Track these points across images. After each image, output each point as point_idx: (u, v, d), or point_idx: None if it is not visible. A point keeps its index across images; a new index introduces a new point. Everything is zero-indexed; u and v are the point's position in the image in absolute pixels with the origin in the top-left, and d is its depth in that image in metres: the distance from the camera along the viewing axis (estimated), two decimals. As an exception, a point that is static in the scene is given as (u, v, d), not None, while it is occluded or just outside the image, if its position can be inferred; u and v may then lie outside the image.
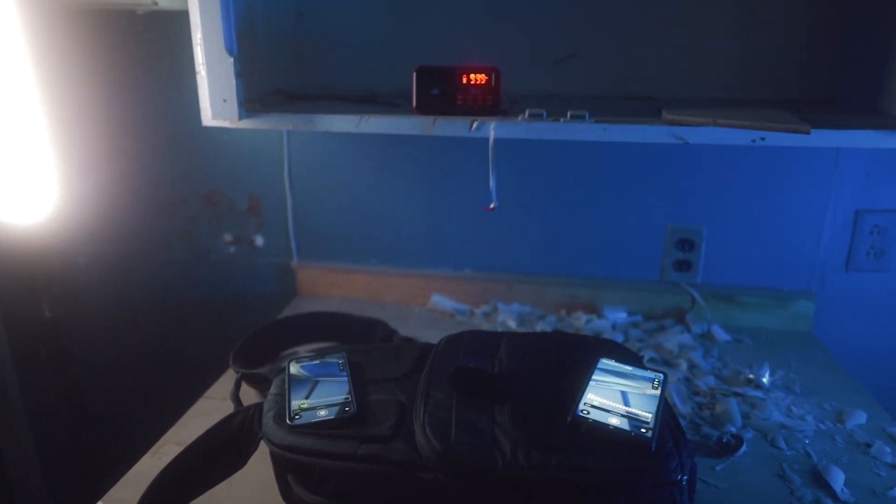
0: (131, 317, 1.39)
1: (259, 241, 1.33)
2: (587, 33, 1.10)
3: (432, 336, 1.05)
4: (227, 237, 1.33)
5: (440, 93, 0.87)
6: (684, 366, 1.05)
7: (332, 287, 1.33)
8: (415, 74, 0.87)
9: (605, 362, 0.78)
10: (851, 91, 1.03)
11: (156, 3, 1.11)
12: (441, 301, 1.30)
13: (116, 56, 1.23)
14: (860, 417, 0.91)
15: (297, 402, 0.73)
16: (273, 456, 0.69)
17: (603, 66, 1.12)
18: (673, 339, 1.13)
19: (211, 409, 0.93)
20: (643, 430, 0.65)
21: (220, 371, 1.03)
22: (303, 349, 1.08)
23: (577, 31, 1.10)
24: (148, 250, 1.35)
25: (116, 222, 1.34)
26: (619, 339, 1.15)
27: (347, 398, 0.73)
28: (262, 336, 1.02)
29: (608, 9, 1.09)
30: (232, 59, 0.86)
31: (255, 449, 0.72)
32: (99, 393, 1.45)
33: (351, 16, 1.15)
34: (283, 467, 0.69)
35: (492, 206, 0.90)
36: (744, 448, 0.83)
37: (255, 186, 1.29)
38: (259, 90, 0.99)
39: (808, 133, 0.77)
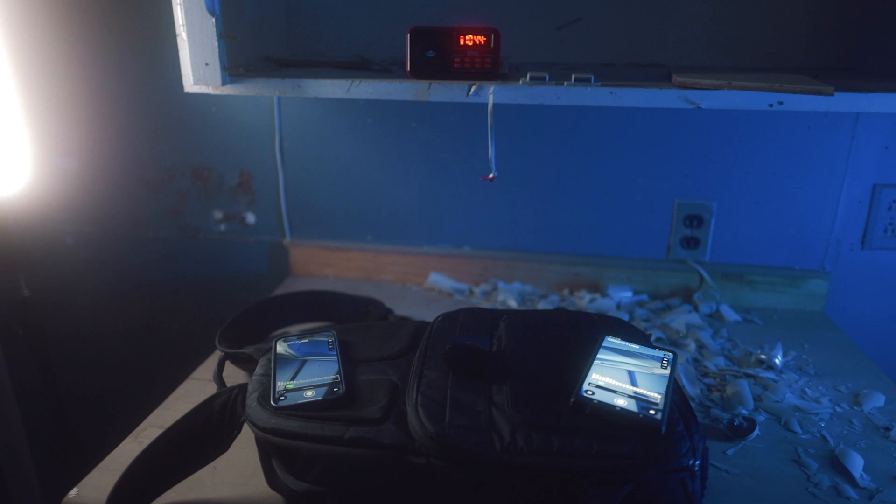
0: (117, 296, 1.35)
1: (250, 218, 1.28)
2: (592, -3, 1.05)
3: (429, 315, 1.00)
4: (217, 214, 1.28)
5: (436, 55, 0.82)
6: (692, 346, 1.01)
7: (325, 266, 1.29)
8: (408, 35, 0.81)
9: (611, 340, 0.73)
10: (868, 58, 0.98)
11: (137, -34, 1.06)
12: (439, 280, 1.25)
13: (99, 24, 1.17)
14: (878, 400, 0.87)
15: (282, 383, 0.68)
16: (257, 439, 0.65)
17: (608, 32, 1.06)
18: (680, 318, 1.09)
19: (196, 390, 0.88)
20: (652, 412, 0.60)
21: (207, 352, 0.99)
22: (294, 329, 1.04)
23: (582, -6, 1.05)
24: (135, 229, 1.31)
25: (102, 199, 1.29)
26: (625, 318, 1.11)
27: (336, 378, 0.69)
28: (251, 315, 0.98)
29: (615, -30, 1.03)
30: (214, 20, 0.80)
31: (238, 432, 0.68)
32: (81, 374, 1.41)
33: (343, -21, 1.09)
34: (268, 452, 0.65)
35: (491, 176, 0.85)
36: (756, 431, 0.79)
37: (245, 161, 1.24)
38: (246, 56, 0.94)
39: (832, 94, 0.72)
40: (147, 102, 1.22)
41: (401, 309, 1.08)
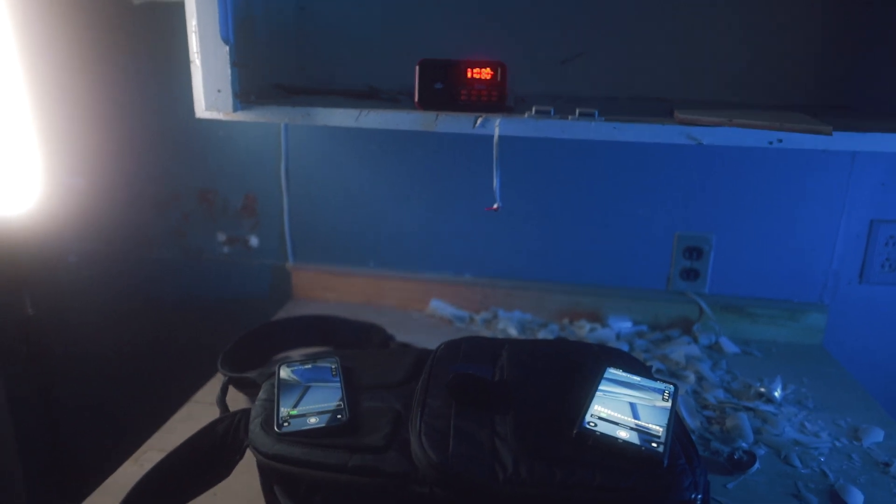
0: (119, 317, 1.35)
1: (254, 241, 1.29)
2: (595, 32, 1.07)
3: (430, 342, 1.00)
4: (221, 237, 1.29)
5: (443, 87, 0.84)
6: (692, 378, 1.01)
7: (327, 290, 1.29)
8: (417, 67, 0.83)
9: (613, 372, 0.74)
10: (865, 96, 1.00)
11: (152, -7, 1.08)
12: (440, 306, 1.26)
13: (111, 48, 1.19)
14: (877, 435, 0.87)
15: (286, 409, 0.68)
16: (259, 465, 0.65)
17: (611, 66, 1.08)
18: (680, 350, 1.09)
19: (198, 413, 0.88)
20: (654, 445, 0.61)
21: (209, 374, 0.99)
22: (295, 354, 1.04)
23: (585, 30, 1.07)
24: (139, 248, 1.32)
25: (107, 219, 1.30)
26: (624, 349, 1.11)
27: (340, 405, 0.69)
28: (253, 339, 0.98)
29: (616, 7, 1.05)
30: (227, 48, 0.82)
31: (241, 457, 0.68)
32: (83, 394, 1.40)
33: (353, 9, 1.12)
34: (270, 478, 0.65)
35: (495, 206, 0.86)
36: (757, 465, 0.79)
37: (250, 185, 1.26)
38: (257, 83, 0.95)
39: (831, 134, 0.73)
40: (155, 124, 1.23)
41: (402, 335, 1.09)
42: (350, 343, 1.05)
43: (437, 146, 1.18)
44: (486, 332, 1.18)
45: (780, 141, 0.77)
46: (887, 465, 0.81)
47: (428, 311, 1.26)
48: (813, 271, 1.15)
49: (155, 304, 1.34)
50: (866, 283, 1.14)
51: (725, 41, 1.04)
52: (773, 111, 0.88)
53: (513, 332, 1.17)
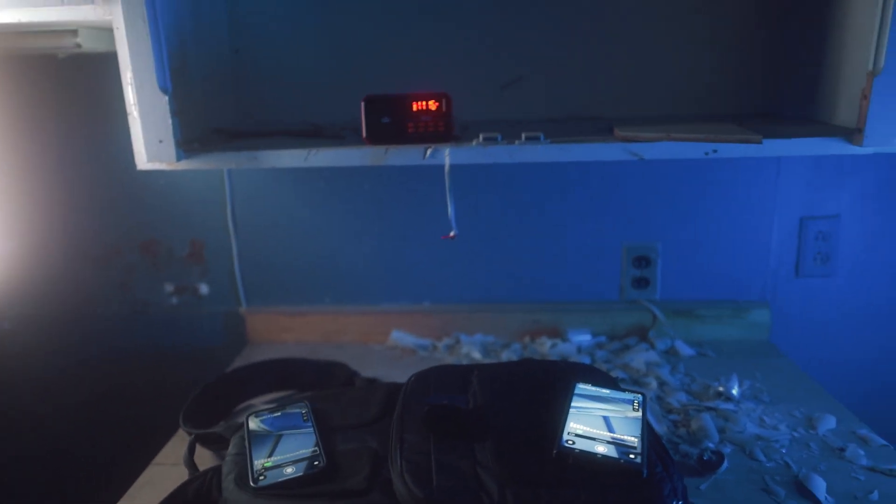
0: (62, 379, 1.28)
1: (203, 288, 1.25)
2: (532, 57, 1.11)
3: (395, 375, 1.00)
4: (169, 287, 1.25)
5: (391, 121, 0.84)
6: (654, 384, 1.04)
7: (284, 332, 1.27)
8: (363, 104, 0.84)
9: (582, 387, 0.75)
10: (788, 103, 1.07)
11: (79, 46, 1.05)
12: (401, 337, 1.25)
13: (38, 103, 1.15)
14: (830, 422, 0.92)
15: (259, 461, 0.66)
16: (236, 524, 0.63)
17: (549, 88, 1.12)
18: (639, 357, 1.12)
19: (161, 476, 0.84)
20: (632, 457, 0.62)
21: (169, 433, 0.95)
22: (258, 402, 1.01)
23: (522, 55, 1.11)
24: (80, 307, 1.25)
25: (44, 279, 1.24)
26: (586, 361, 1.14)
27: (315, 451, 0.68)
28: (213, 391, 0.95)
29: (551, 31, 1.09)
30: (167, 98, 0.81)
31: (216, 518, 0.66)
32: (28, 470, 1.31)
33: (290, 49, 1.11)
34: (249, 535, 0.63)
35: (451, 234, 0.87)
36: (726, 464, 0.82)
37: (196, 231, 1.22)
38: (196, 129, 0.94)
39: (760, 143, 0.78)
40: (91, 178, 1.19)
41: (365, 370, 1.07)
42: (314, 384, 1.03)
43: (386, 178, 1.19)
44: (449, 359, 1.19)
45: (716, 151, 0.81)
46: (842, 450, 0.85)
47: (389, 343, 1.25)
48: (753, 270, 1.21)
49: (102, 364, 1.27)
50: (802, 276, 1.21)
51: (657, 58, 1.10)
52: (704, 122, 0.93)
53: (477, 355, 1.18)
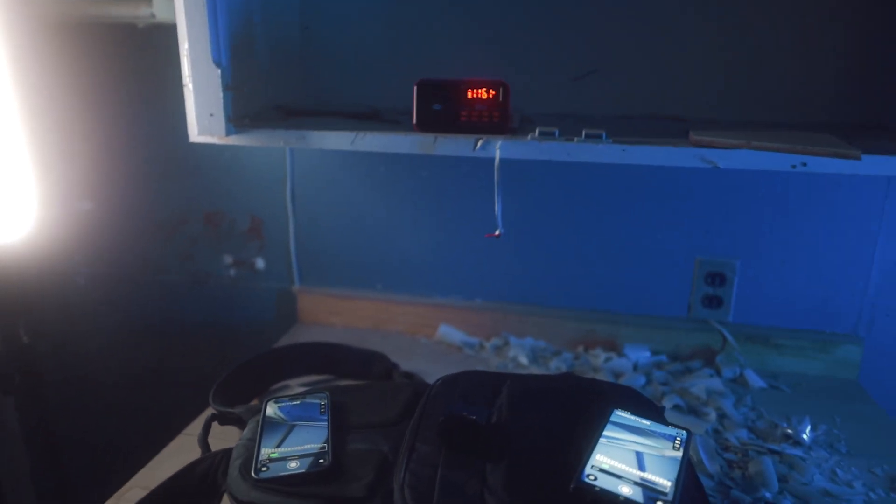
0: (125, 340, 1.33)
1: (260, 263, 1.27)
2: (608, 49, 1.02)
3: (437, 371, 0.96)
4: (228, 259, 1.27)
5: (442, 108, 0.80)
6: (713, 415, 0.94)
7: (333, 314, 1.26)
8: (415, 88, 0.80)
9: (620, 415, 0.68)
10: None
11: (153, 16, 1.07)
12: (449, 332, 1.21)
13: (115, 71, 1.19)
14: (917, 485, 0.79)
15: (266, 451, 0.65)
16: (236, 513, 0.61)
17: (625, 84, 1.03)
18: (701, 383, 1.03)
19: (188, 447, 0.85)
20: (660, 503, 0.55)
21: (207, 403, 0.96)
22: (294, 383, 1.01)
23: (598, 45, 1.03)
24: (146, 272, 1.30)
25: (115, 242, 1.29)
26: (641, 381, 1.05)
27: (324, 448, 0.65)
28: (250, 368, 0.95)
29: (632, 22, 1.00)
30: (220, 71, 0.80)
31: (219, 503, 0.65)
32: (84, 420, 1.38)
33: (358, 29, 1.09)
34: (246, 526, 0.61)
35: (497, 233, 0.82)
36: (781, 519, 0.72)
37: (256, 207, 1.24)
38: (256, 105, 0.93)
39: (859, 158, 0.67)
40: (160, 148, 1.22)
41: (408, 363, 1.04)
42: (353, 372, 1.02)
43: (445, 168, 1.15)
44: (496, 360, 1.13)
45: (805, 165, 0.71)
46: (929, 520, 0.73)
47: (437, 337, 1.22)
48: (846, 301, 1.07)
49: (161, 328, 1.32)
50: (906, 313, 1.06)
51: (746, 56, 0.99)
52: (797, 131, 0.82)
53: (524, 360, 1.12)
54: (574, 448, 0.63)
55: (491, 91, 0.79)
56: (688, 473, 0.61)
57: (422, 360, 1.12)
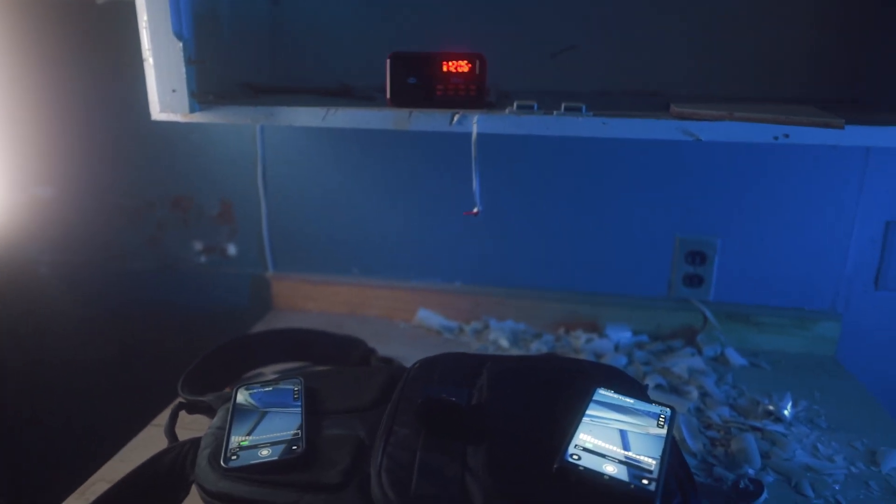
0: (89, 330, 1.29)
1: (231, 249, 1.23)
2: (587, 23, 1.00)
3: (416, 356, 0.93)
4: (198, 245, 1.23)
5: (417, 82, 0.77)
6: (695, 394, 0.94)
7: (309, 300, 1.23)
8: (388, 61, 0.77)
9: (603, 393, 0.67)
10: (878, 90, 0.92)
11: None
12: (428, 316, 1.19)
13: (77, 49, 1.13)
14: (897, 458, 0.79)
15: (236, 439, 0.62)
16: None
17: (605, 59, 1.01)
18: (682, 362, 1.02)
19: (157, 439, 0.81)
20: (645, 482, 0.53)
21: (175, 395, 0.92)
22: (269, 371, 0.98)
23: (577, 20, 1.00)
24: (112, 259, 1.25)
25: (79, 228, 1.24)
26: (623, 361, 1.04)
27: (297, 434, 0.62)
28: (221, 356, 0.91)
29: (611, -4, 0.98)
30: (181, 44, 0.76)
31: (186, 495, 0.62)
32: (44, 410, 1.34)
33: (330, 4, 1.05)
34: (217, 518, 0.58)
35: (475, 210, 0.79)
36: (764, 495, 0.72)
37: (227, 190, 1.19)
38: (221, 82, 0.89)
39: (842, 127, 0.66)
40: (124, 129, 1.17)
41: (385, 349, 1.02)
42: (329, 358, 0.99)
43: (422, 146, 1.12)
44: (476, 344, 1.12)
45: (787, 136, 0.70)
46: (910, 493, 0.73)
47: (415, 322, 1.19)
48: (824, 277, 1.07)
49: (127, 317, 1.28)
50: (883, 289, 1.06)
51: (728, 31, 0.97)
52: (779, 104, 0.80)
53: (504, 343, 1.10)
54: (557, 428, 0.61)
55: (467, 64, 0.76)
56: (673, 451, 0.60)
57: (400, 344, 1.10)
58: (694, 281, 1.11)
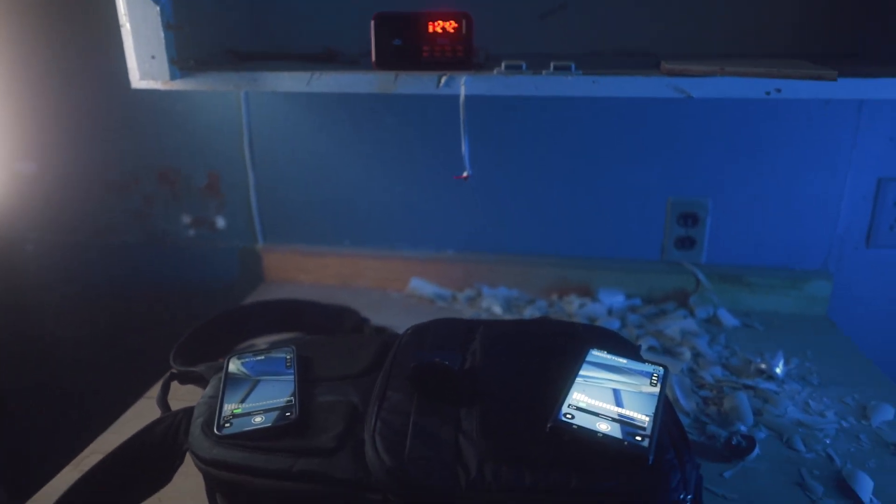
0: (80, 306, 1.28)
1: (220, 222, 1.21)
2: (576, -19, 0.98)
3: (409, 324, 0.93)
4: (186, 219, 1.22)
5: (403, 44, 0.75)
6: (688, 355, 0.94)
7: (301, 272, 1.22)
8: (373, 23, 0.75)
9: (595, 354, 0.67)
10: (871, 44, 0.91)
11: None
12: (420, 285, 1.18)
13: (52, 20, 1.10)
14: (887, 413, 0.80)
15: (230, 406, 0.62)
16: (200, 471, 0.58)
17: (595, 19, 0.99)
18: (675, 324, 1.02)
19: (150, 411, 0.81)
20: (638, 439, 0.54)
21: (167, 369, 0.92)
22: (261, 342, 0.97)
23: (565, -21, 0.98)
24: (100, 234, 1.24)
25: (64, 204, 1.22)
26: (616, 325, 1.04)
27: (290, 401, 0.62)
28: (214, 328, 0.91)
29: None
30: (159, 8, 0.74)
31: (181, 462, 0.62)
32: (35, 385, 1.34)
33: (311, -33, 1.02)
34: (212, 485, 0.58)
35: (465, 174, 0.78)
36: (756, 451, 0.72)
37: (214, 162, 1.18)
38: (203, 49, 0.87)
39: (835, 80, 0.65)
40: (108, 101, 1.15)
41: (379, 318, 1.01)
42: (321, 328, 0.98)
43: (410, 112, 1.10)
44: (469, 311, 1.11)
45: (779, 91, 0.69)
46: (899, 445, 0.74)
47: (408, 291, 1.19)
48: (816, 236, 1.07)
49: (118, 292, 1.27)
50: (874, 247, 1.06)
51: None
52: (772, 60, 0.79)
53: (497, 309, 1.10)
54: (550, 389, 0.61)
55: (454, 23, 0.75)
56: (665, 409, 0.60)
57: (393, 314, 1.09)
58: (686, 243, 1.11)
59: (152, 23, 0.74)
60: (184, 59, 0.79)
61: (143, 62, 0.76)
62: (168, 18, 0.75)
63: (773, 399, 0.83)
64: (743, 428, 0.77)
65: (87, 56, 1.12)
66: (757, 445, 0.73)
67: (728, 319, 1.05)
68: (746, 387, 0.86)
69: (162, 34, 0.74)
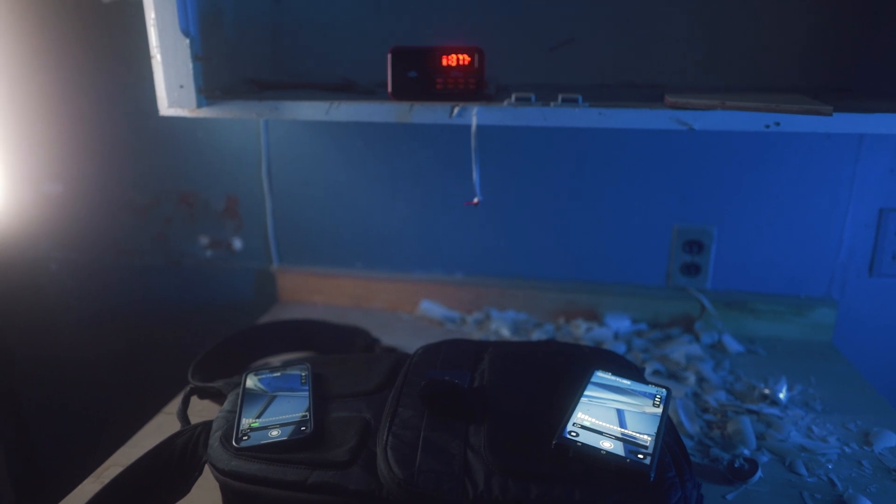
0: (99, 324, 1.31)
1: (237, 244, 1.25)
2: (584, 17, 1.02)
3: (419, 345, 0.96)
4: (204, 240, 1.25)
5: (418, 76, 0.79)
6: (692, 379, 0.96)
7: (314, 293, 1.25)
8: (389, 56, 0.79)
9: (600, 375, 0.69)
10: (868, 78, 0.94)
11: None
12: (430, 307, 1.21)
13: (85, 48, 1.16)
14: (889, 439, 0.81)
15: (247, 420, 0.64)
16: (218, 483, 0.61)
17: (602, 52, 1.03)
18: (680, 349, 1.04)
19: (168, 425, 0.84)
20: (640, 457, 0.56)
21: (184, 385, 0.95)
22: (275, 360, 1.00)
23: (574, 14, 1.02)
24: (120, 255, 1.28)
25: (88, 225, 1.27)
26: (622, 349, 1.06)
27: (305, 416, 0.64)
28: (230, 346, 0.94)
29: (607, -10, 1.00)
30: (188, 41, 0.78)
31: (200, 474, 0.64)
32: (56, 402, 1.37)
33: (332, 1, 1.07)
34: (229, 496, 0.60)
35: (475, 201, 0.81)
36: (759, 474, 0.74)
37: (232, 186, 1.22)
38: (227, 78, 0.91)
39: (830, 115, 0.68)
40: (132, 126, 1.20)
41: (389, 338, 1.04)
42: (333, 348, 1.01)
43: (423, 140, 1.14)
44: (477, 334, 1.14)
45: (778, 124, 0.72)
46: (901, 471, 0.75)
47: (418, 313, 1.22)
48: (820, 264, 1.09)
49: (136, 312, 1.30)
50: (877, 275, 1.08)
51: (725, 22, 0.99)
52: (772, 93, 0.82)
53: (506, 332, 1.12)
54: (556, 408, 0.63)
55: (467, 57, 0.78)
56: (668, 429, 0.62)
57: (404, 335, 1.12)
58: (691, 270, 1.13)
59: (182, 54, 0.78)
60: (210, 88, 0.83)
61: (172, 91, 0.80)
62: (196, 51, 0.80)
63: (776, 424, 0.84)
64: (746, 451, 0.78)
65: (115, 84, 1.17)
66: (759, 468, 0.74)
67: (733, 345, 1.07)
68: (750, 411, 0.87)
69: (191, 65, 0.79)
